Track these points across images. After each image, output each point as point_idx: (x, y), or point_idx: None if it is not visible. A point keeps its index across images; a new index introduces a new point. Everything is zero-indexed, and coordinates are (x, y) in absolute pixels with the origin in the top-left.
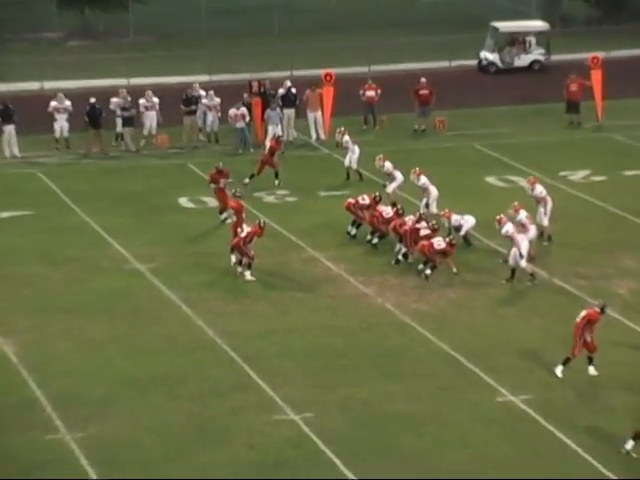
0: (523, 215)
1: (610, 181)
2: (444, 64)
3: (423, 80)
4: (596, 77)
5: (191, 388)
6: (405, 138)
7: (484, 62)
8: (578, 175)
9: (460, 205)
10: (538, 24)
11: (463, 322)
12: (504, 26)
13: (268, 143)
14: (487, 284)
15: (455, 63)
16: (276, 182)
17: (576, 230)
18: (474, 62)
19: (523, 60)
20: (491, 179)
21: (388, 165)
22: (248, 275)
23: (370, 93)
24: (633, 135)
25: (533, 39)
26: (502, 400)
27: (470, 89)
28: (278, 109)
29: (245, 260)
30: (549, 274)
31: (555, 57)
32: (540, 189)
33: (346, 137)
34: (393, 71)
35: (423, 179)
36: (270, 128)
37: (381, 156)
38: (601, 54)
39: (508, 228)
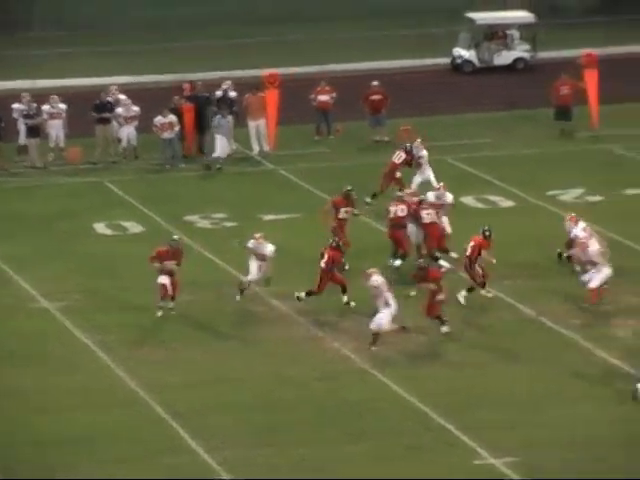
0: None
1: (608, 202)
2: (411, 63)
3: (375, 83)
4: (591, 78)
5: (109, 451)
6: (364, 151)
7: (458, 60)
8: (570, 194)
9: None
10: (522, 15)
11: (435, 370)
12: (481, 17)
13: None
14: (464, 321)
15: (424, 61)
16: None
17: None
18: (447, 60)
19: (504, 58)
20: (467, 199)
21: (449, 196)
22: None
23: (323, 97)
24: (635, 147)
25: (516, 33)
26: (480, 463)
27: (442, 92)
28: (230, 117)
29: (314, 292)
30: (537, 312)
31: (542, 54)
32: (582, 226)
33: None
34: (350, 71)
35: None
36: (219, 139)
37: (442, 184)
38: (597, 50)
39: (444, 263)
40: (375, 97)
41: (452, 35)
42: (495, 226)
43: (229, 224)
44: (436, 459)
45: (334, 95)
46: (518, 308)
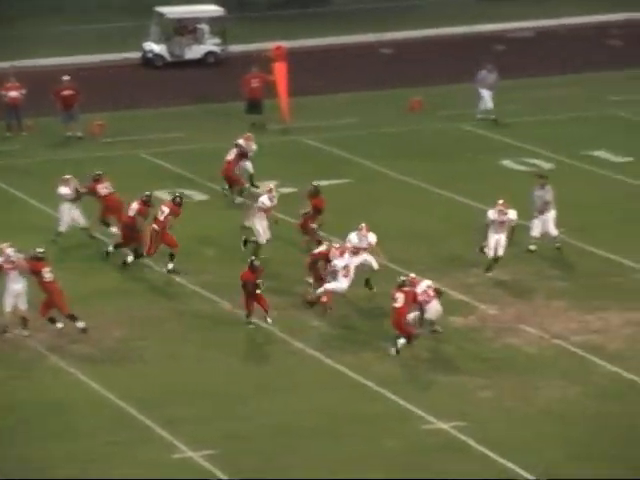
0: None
1: (302, 193)
2: (101, 57)
3: (66, 78)
4: (280, 70)
5: None
6: (57, 146)
7: (149, 55)
8: (263, 187)
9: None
10: (211, 9)
11: (132, 365)
12: (171, 11)
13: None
14: (160, 315)
15: (115, 56)
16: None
17: (260, 252)
18: (137, 55)
19: (195, 51)
20: (162, 193)
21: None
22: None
23: (13, 93)
24: (326, 138)
25: (206, 27)
26: (180, 457)
27: (133, 87)
28: None
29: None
30: (233, 305)
31: (233, 48)
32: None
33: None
34: (40, 66)
35: None
36: None
37: (364, 225)
38: (285, 43)
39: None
40: (66, 92)
41: (143, 29)
42: (191, 220)
43: None
44: (135, 455)
45: (24, 91)
46: (214, 300)
